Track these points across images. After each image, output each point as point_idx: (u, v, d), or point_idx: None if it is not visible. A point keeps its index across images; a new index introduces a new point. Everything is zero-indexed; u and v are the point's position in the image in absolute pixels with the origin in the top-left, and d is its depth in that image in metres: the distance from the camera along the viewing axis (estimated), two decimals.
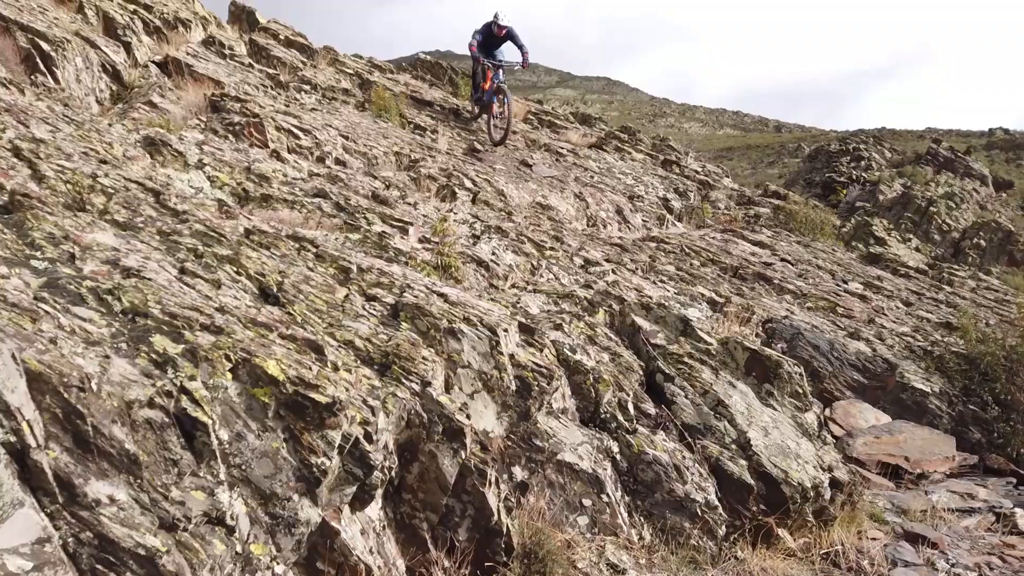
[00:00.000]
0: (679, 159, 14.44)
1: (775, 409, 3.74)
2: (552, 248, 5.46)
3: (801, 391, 3.79)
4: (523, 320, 3.49)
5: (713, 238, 8.71)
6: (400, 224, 4.38)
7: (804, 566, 3.52)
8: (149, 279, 2.62)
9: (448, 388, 3.11)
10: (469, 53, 9.82)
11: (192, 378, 2.21)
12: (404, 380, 2.80)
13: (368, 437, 2.45)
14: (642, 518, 3.49)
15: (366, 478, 2.45)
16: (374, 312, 3.14)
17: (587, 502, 3.36)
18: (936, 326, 6.67)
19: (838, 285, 7.52)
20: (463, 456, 2.81)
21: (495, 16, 9.78)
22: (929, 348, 5.68)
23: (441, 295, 3.35)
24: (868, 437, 4.55)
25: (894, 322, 6.36)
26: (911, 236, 27.50)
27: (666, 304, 4.09)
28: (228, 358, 2.30)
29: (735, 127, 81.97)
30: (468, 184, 7.59)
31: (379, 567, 2.53)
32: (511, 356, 3.26)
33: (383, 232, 4.22)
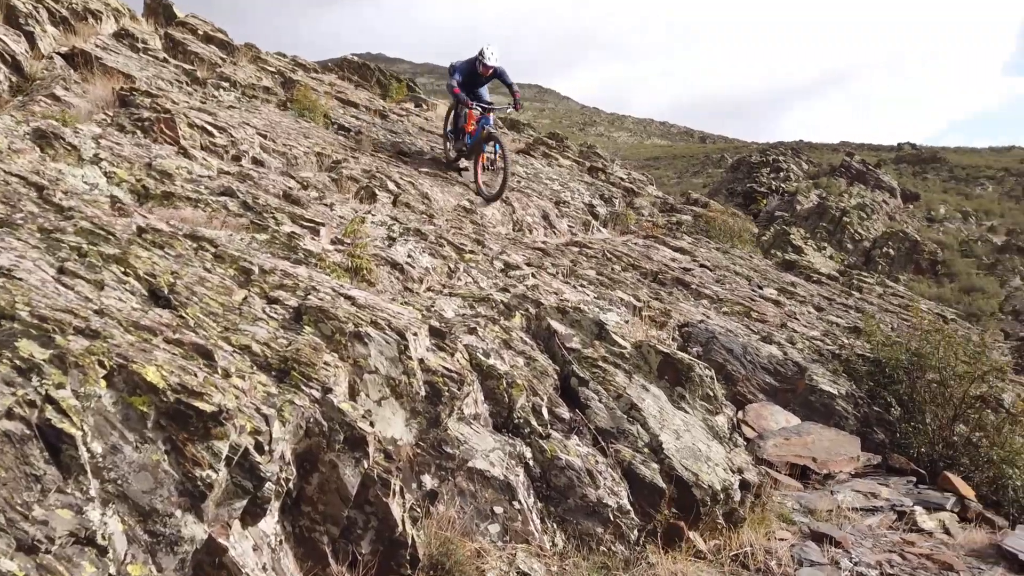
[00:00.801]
0: (605, 166, 14.62)
1: (687, 412, 3.76)
2: (472, 251, 5.39)
3: (712, 394, 3.83)
4: (435, 324, 3.40)
5: (635, 244, 8.82)
6: (312, 225, 4.23)
7: (714, 568, 3.54)
8: (20, 279, 2.42)
9: (353, 395, 3.00)
10: (451, 93, 8.52)
11: (60, 386, 2.04)
12: (303, 387, 2.67)
13: (259, 447, 2.32)
14: (555, 524, 3.45)
15: (257, 491, 2.31)
16: (275, 315, 3.00)
17: (499, 509, 3.30)
18: (845, 330, 6.91)
19: (754, 291, 7.72)
20: (366, 465, 2.70)
21: (481, 54, 8.41)
22: (837, 352, 5.87)
23: (349, 298, 3.23)
24: (778, 439, 4.65)
25: (805, 326, 6.56)
26: (826, 245, 28.64)
27: (583, 308, 4.08)
28: (102, 364, 2.13)
29: (662, 137, 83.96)
30: (391, 186, 7.45)
31: None
32: (421, 361, 3.17)
33: (292, 233, 4.06)
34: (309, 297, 3.15)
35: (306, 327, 2.99)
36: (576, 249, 7.44)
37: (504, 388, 3.50)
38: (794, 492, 4.33)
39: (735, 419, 4.93)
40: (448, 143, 9.33)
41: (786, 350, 5.55)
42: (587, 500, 3.44)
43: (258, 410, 2.39)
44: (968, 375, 5.02)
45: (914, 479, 4.68)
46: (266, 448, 2.35)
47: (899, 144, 58.76)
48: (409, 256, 4.42)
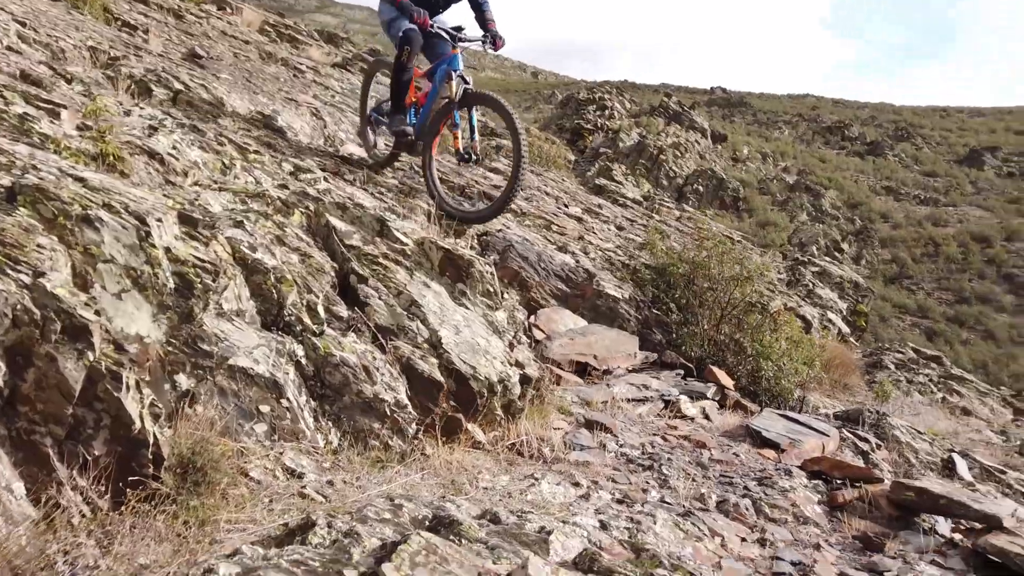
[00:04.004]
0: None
1: (468, 308, 3.77)
2: (259, 152, 5.02)
3: (492, 290, 3.87)
4: (186, 211, 3.10)
5: (448, 161, 8.72)
6: (51, 107, 3.69)
7: (490, 457, 3.64)
8: None
9: (86, 286, 2.67)
10: (386, 19, 5.31)
11: None
12: (8, 271, 2.33)
13: None
14: (330, 422, 3.35)
15: None
16: None
17: (265, 408, 3.14)
18: (639, 246, 7.31)
19: (559, 208, 7.93)
20: (91, 357, 2.43)
21: None
22: (627, 262, 6.19)
23: (79, 179, 2.85)
24: (564, 339, 4.84)
25: (601, 240, 6.84)
26: (644, 180, 30.23)
27: (364, 205, 3.92)
28: None
29: (495, 70, 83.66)
30: (177, 86, 6.75)
31: None
32: (167, 250, 2.89)
33: (25, 114, 3.52)
34: (27, 175, 2.74)
35: (21, 208, 2.61)
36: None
37: (272, 284, 3.30)
38: (575, 387, 4.54)
39: (527, 322, 5.06)
40: (371, 128, 6.00)
41: (579, 259, 5.76)
42: (363, 396, 3.37)
43: None
44: (734, 279, 5.48)
45: (683, 372, 5.09)
46: None
47: (712, 88, 62.78)
48: (174, 148, 4.00)
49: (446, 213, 4.91)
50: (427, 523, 2.68)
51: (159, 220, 2.86)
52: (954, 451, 5.01)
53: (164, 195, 3.43)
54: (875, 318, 26.25)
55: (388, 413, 3.41)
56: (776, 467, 3.82)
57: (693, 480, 3.56)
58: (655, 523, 3.01)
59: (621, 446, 3.90)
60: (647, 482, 3.49)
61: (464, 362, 3.59)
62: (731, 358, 5.34)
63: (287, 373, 3.22)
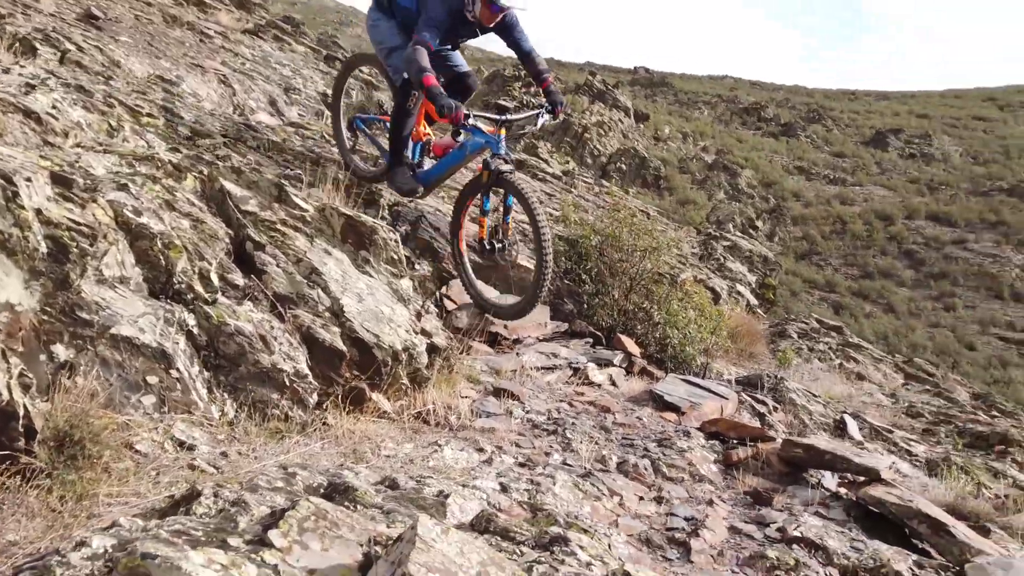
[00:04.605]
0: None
1: (371, 276, 3.71)
2: (153, 116, 4.77)
3: (397, 257, 3.81)
4: (59, 171, 2.92)
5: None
6: None
7: (395, 426, 3.61)
8: None
9: None
10: (384, 45, 4.54)
11: None
12: None
13: None
14: (225, 393, 3.25)
15: None
16: None
17: (153, 380, 3.01)
18: (554, 219, 7.34)
19: None
20: None
21: None
22: None
23: None
24: (475, 309, 4.82)
25: (516, 211, 6.84)
26: (569, 159, 30.42)
27: (261, 170, 3.78)
28: None
29: None
30: (68, 46, 6.34)
31: None
32: (39, 212, 2.71)
33: None
34: None
35: None
36: (292, 129, 6.98)
37: (159, 250, 3.15)
38: (484, 356, 4.55)
39: (438, 293, 5.02)
40: (351, 135, 5.23)
41: None
42: (260, 366, 3.27)
43: None
44: (645, 250, 5.58)
45: (592, 341, 5.16)
46: None
47: (635, 67, 63.60)
48: (54, 107, 3.75)
49: (481, 308, 4.52)
50: (322, 491, 2.63)
51: (28, 180, 2.68)
52: (846, 413, 5.28)
53: (40, 156, 3.22)
54: (786, 293, 27.42)
55: (287, 383, 3.32)
56: (676, 429, 3.93)
57: (596, 443, 3.62)
58: (555, 484, 3.05)
59: (528, 412, 3.94)
60: (550, 446, 3.54)
61: (367, 330, 3.53)
62: (640, 327, 5.46)
63: (177, 343, 3.09)
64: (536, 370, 4.53)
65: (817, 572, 2.74)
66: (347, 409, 3.51)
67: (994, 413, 7.23)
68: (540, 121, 4.48)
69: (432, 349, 4.08)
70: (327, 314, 3.51)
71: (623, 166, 37.17)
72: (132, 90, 5.48)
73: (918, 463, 4.79)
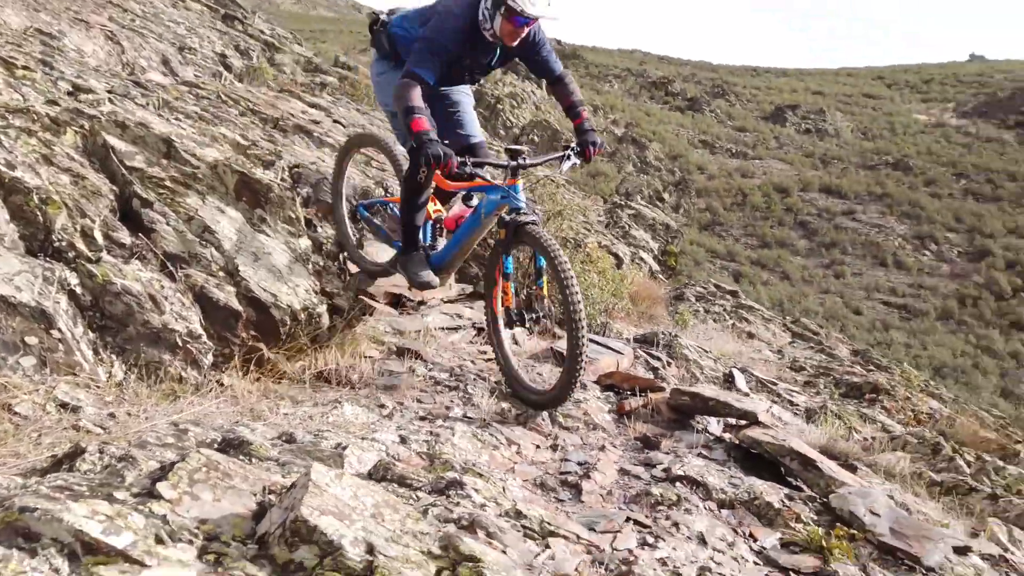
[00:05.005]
0: (244, 17, 13.33)
1: (268, 235, 3.65)
2: (30, 69, 4.47)
3: (295, 216, 3.76)
4: None
5: (264, 94, 8.25)
6: None
7: (295, 386, 3.59)
8: None
9: None
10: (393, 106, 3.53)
11: None
12: None
13: None
14: (113, 355, 3.15)
15: None
16: None
17: (32, 340, 2.89)
18: None
19: None
20: None
21: None
22: None
23: None
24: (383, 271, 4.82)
25: None
26: (483, 130, 30.28)
27: (149, 125, 3.64)
28: None
29: (328, 8, 79.60)
30: None
31: None
32: None
33: None
34: None
35: None
36: (186, 88, 6.69)
37: (36, 205, 3.00)
38: (388, 317, 4.56)
39: (342, 256, 4.98)
40: (352, 223, 4.50)
41: (396, 193, 5.71)
42: (151, 327, 3.19)
43: None
44: (549, 214, 5.69)
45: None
46: None
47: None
48: None
49: (514, 393, 3.66)
50: (215, 446, 2.62)
51: None
52: (735, 367, 5.61)
53: None
54: (690, 262, 28.46)
55: (180, 344, 3.25)
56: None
57: (496, 397, 3.72)
58: (454, 436, 3.13)
59: (431, 370, 3.99)
60: (452, 401, 3.61)
61: (264, 290, 3.49)
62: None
63: (58, 303, 2.97)
64: (440, 330, 4.58)
65: (697, 506, 2.95)
66: (245, 370, 3.47)
67: (870, 367, 7.82)
68: (566, 166, 3.68)
69: (334, 310, 4.07)
70: (221, 273, 3.44)
71: (535, 138, 37.33)
72: (6, 41, 5.12)
73: (798, 411, 5.15)
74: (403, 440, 3.00)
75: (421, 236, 3.88)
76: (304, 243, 3.78)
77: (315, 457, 2.61)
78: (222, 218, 3.51)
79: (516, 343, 4.77)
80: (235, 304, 3.41)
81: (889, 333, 28.17)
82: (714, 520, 2.89)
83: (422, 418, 3.33)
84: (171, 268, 3.34)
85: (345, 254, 4.38)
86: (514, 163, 3.47)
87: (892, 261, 34.06)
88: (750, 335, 8.05)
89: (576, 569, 2.34)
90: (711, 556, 2.64)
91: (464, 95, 4.04)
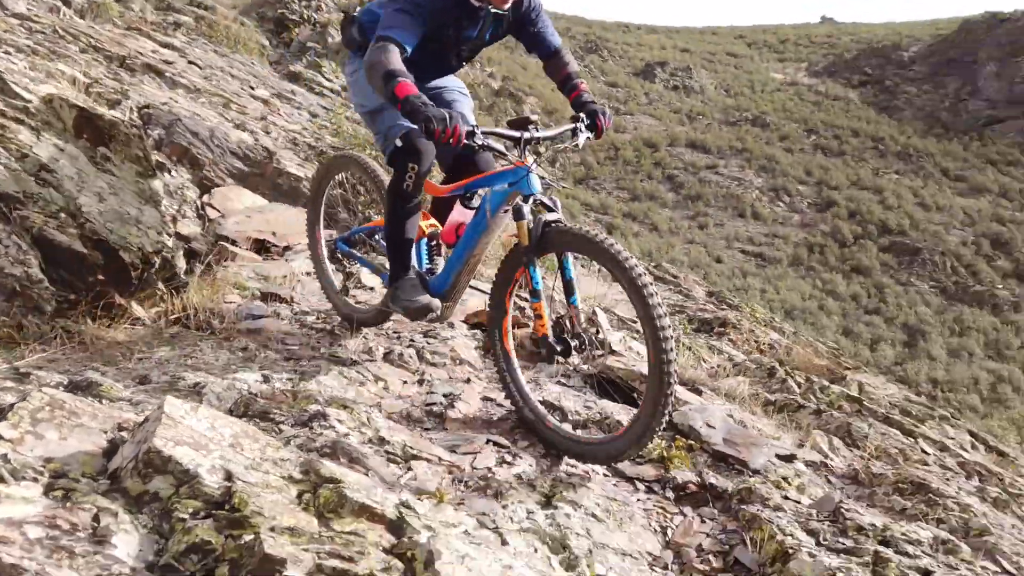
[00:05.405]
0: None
1: (114, 175, 3.46)
2: None
3: (142, 155, 3.58)
4: None
5: (109, 31, 7.64)
6: None
7: (152, 332, 3.48)
8: None
9: None
10: (367, 108, 3.22)
11: None
12: None
13: None
14: None
15: None
16: None
17: None
18: (331, 131, 7.20)
19: (244, 89, 7.45)
20: None
21: None
22: (313, 143, 6.09)
23: None
24: (240, 216, 4.69)
25: (287, 122, 6.62)
26: None
27: None
28: None
29: None
30: None
31: None
32: None
33: None
34: None
35: None
36: (17, 22, 6.09)
37: None
38: (252, 263, 4.47)
39: (199, 201, 4.80)
40: (331, 261, 3.94)
41: (258, 137, 5.53)
42: None
43: None
44: None
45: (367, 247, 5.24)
46: None
47: None
48: None
49: (549, 444, 2.88)
50: (62, 388, 2.53)
51: None
52: (598, 307, 5.90)
53: None
54: (566, 215, 29.17)
55: (18, 289, 3.07)
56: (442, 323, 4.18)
57: (364, 337, 3.76)
58: (320, 373, 3.16)
59: (297, 314, 3.97)
60: (319, 342, 3.62)
61: (111, 232, 3.33)
62: (354, 203, 5.60)
63: None
64: (308, 275, 4.53)
65: None
66: (95, 316, 3.32)
67: (723, 306, 8.44)
68: (581, 139, 3.01)
69: (191, 254, 3.94)
70: (63, 215, 3.25)
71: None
72: None
73: None
74: (266, 379, 3.00)
75: (414, 258, 3.24)
76: (156, 184, 3.62)
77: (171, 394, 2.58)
78: (61, 156, 3.29)
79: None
80: (80, 247, 3.25)
81: (747, 279, 30.27)
82: None
83: (287, 359, 3.33)
84: (5, 210, 3.12)
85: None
86: (525, 134, 2.75)
87: (750, 212, 36.39)
88: (614, 279, 8.44)
89: (438, 487, 2.47)
90: (565, 469, 2.85)
91: (461, 94, 3.40)
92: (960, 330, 28.15)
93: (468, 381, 3.50)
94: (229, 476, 2.06)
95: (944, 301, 30.41)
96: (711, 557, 2.64)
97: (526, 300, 3.41)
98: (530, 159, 2.78)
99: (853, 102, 48.28)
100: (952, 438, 5.63)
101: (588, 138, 3.03)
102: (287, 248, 4.78)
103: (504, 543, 2.25)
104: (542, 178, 2.83)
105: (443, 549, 2.05)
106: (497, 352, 3.04)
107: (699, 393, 4.27)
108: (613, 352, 3.88)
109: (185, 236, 3.83)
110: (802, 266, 32.79)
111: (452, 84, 3.41)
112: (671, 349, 2.44)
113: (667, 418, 2.53)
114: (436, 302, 3.12)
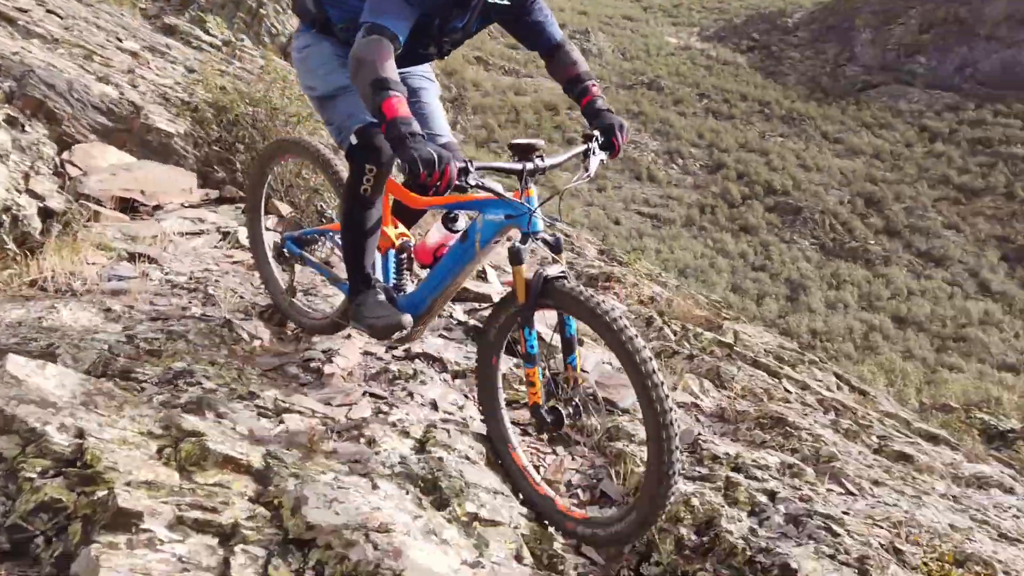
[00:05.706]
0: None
1: None
2: None
3: None
4: None
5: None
6: None
7: (4, 296, 3.28)
8: None
9: None
10: (320, 90, 2.72)
11: None
12: None
13: None
14: None
15: None
16: None
17: None
18: (195, 82, 6.86)
19: (109, 41, 6.97)
20: None
21: None
22: (187, 99, 5.80)
23: None
24: (105, 175, 4.43)
25: (158, 75, 6.26)
26: (244, 36, 27.92)
27: None
28: None
29: None
30: None
31: None
32: None
33: None
34: None
35: None
36: None
37: None
38: (118, 223, 4.25)
39: (58, 158, 4.50)
40: (280, 261, 3.50)
41: (124, 91, 5.22)
42: None
43: None
44: (297, 114, 5.55)
45: (243, 206, 5.08)
46: None
47: None
48: None
49: (554, 523, 2.47)
50: None
51: None
52: (488, 265, 5.98)
53: None
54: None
55: None
56: (326, 280, 4.13)
57: (241, 297, 3.68)
58: (189, 332, 3.08)
59: (167, 274, 3.83)
60: (190, 302, 3.51)
61: None
62: (296, 191, 5.48)
63: None
64: (180, 235, 4.36)
65: (432, 378, 3.21)
66: None
67: (614, 264, 8.71)
68: (594, 164, 2.58)
69: (46, 213, 3.72)
70: None
71: None
72: None
73: None
74: (130, 339, 2.90)
75: (378, 271, 2.88)
76: (3, 137, 3.38)
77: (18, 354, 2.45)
78: None
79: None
80: None
81: (643, 240, 31.21)
82: (447, 388, 3.17)
83: (154, 319, 3.22)
84: None
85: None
86: (528, 166, 2.38)
87: (646, 175, 37.38)
88: (509, 238, 8.54)
89: (309, 437, 2.48)
90: (441, 417, 2.91)
91: (427, 80, 3.02)
92: (837, 284, 30.16)
93: (348, 337, 3.50)
94: (81, 434, 2.01)
95: (823, 257, 32.44)
96: (579, 492, 2.79)
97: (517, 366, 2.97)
98: (534, 192, 2.38)
99: (742, 67, 50.06)
100: (820, 380, 6.09)
101: (602, 161, 2.62)
102: (157, 207, 4.58)
103: (375, 487, 2.29)
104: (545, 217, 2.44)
105: (310, 495, 2.08)
106: (506, 464, 2.63)
107: (580, 344, 4.43)
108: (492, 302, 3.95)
109: (39, 194, 3.60)
110: (695, 226, 34.09)
111: (418, 69, 2.98)
112: (671, 424, 2.11)
113: (671, 497, 2.15)
114: (408, 318, 2.67)
